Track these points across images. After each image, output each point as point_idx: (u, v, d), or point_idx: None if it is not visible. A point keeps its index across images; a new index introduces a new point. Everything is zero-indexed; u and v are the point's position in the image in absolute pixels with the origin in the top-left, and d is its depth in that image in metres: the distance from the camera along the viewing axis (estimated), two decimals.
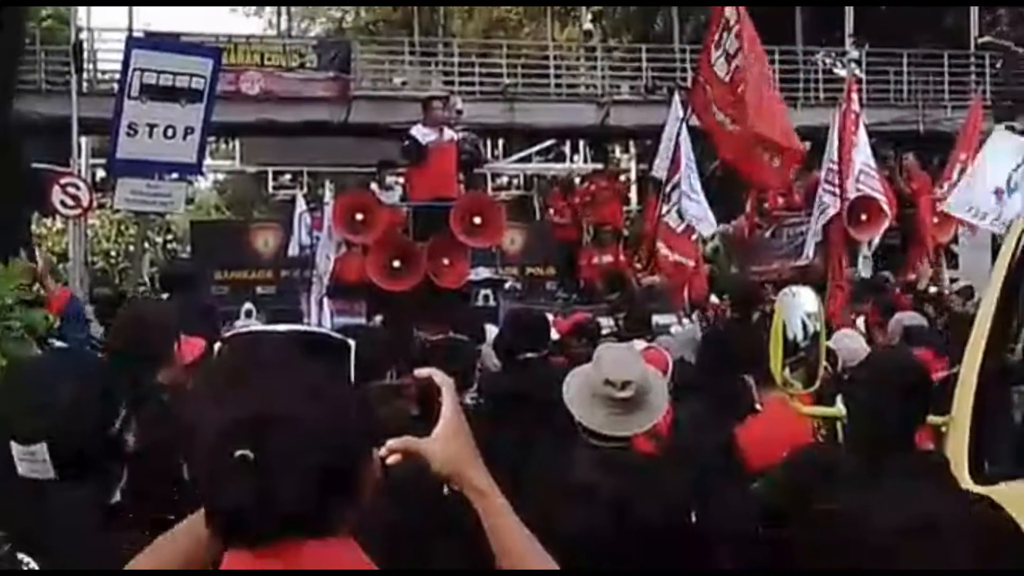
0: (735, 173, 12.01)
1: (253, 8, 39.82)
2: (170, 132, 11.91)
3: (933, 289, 13.85)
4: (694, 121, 11.68)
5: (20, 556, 2.11)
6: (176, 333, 3.65)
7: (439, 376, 1.87)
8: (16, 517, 2.22)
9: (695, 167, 11.52)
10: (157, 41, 14.03)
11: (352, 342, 1.79)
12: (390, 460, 1.78)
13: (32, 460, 2.26)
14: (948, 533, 1.86)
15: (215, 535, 1.62)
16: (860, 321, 9.96)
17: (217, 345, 1.66)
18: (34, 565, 2.10)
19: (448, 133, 12.25)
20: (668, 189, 11.20)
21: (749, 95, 10.34)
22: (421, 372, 1.89)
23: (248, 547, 1.58)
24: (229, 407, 1.58)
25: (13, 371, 2.97)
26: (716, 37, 10.81)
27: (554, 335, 8.01)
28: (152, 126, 11.86)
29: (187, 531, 1.88)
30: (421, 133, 12.08)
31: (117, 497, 2.38)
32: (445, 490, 1.90)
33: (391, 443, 1.78)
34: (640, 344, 5.72)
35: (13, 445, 2.27)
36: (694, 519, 3.74)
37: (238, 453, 1.54)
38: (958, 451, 3.38)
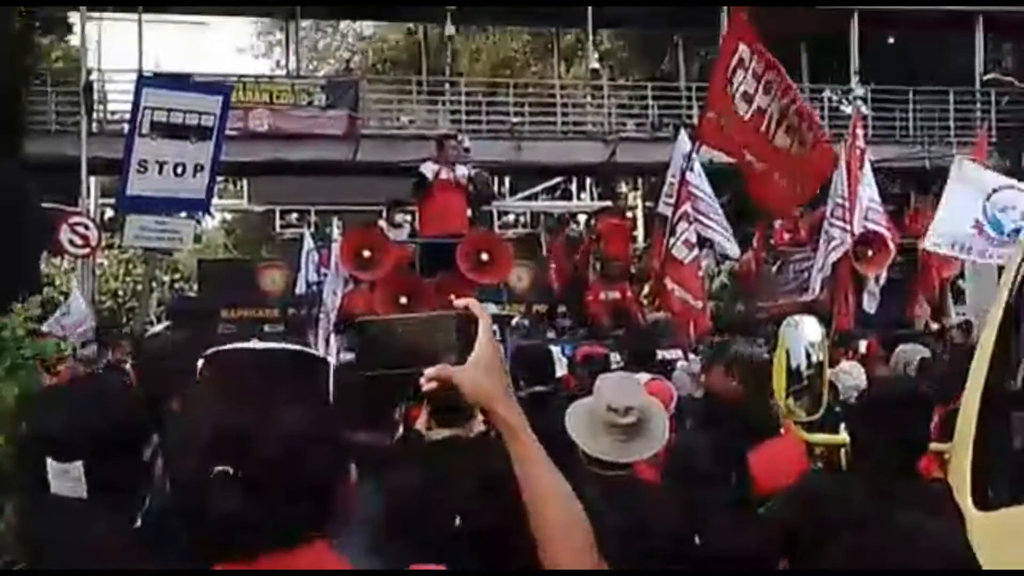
0: (744, 208, 12.12)
1: (262, 49, 40.22)
2: (180, 169, 12.02)
3: (935, 326, 13.87)
4: (711, 155, 11.82)
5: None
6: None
7: (477, 307, 1.88)
8: (40, 530, 2.25)
9: (713, 198, 11.60)
10: (167, 80, 14.16)
11: (331, 359, 1.82)
12: (426, 387, 1.80)
13: (66, 478, 2.29)
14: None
15: (197, 551, 1.65)
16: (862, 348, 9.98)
17: (199, 363, 1.69)
18: None
19: (460, 170, 12.35)
20: (675, 220, 11.25)
21: (775, 135, 10.58)
22: (459, 301, 1.90)
23: (230, 562, 1.61)
24: (210, 424, 1.61)
25: (54, 390, 3.02)
26: (730, 73, 10.91)
27: (562, 370, 8.07)
28: (162, 163, 11.97)
29: None
30: (430, 169, 12.21)
31: (139, 523, 2.41)
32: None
33: (428, 371, 1.80)
34: (644, 376, 5.75)
35: (49, 462, 2.30)
36: (698, 543, 3.75)
37: (219, 469, 1.56)
38: (960, 477, 3.39)
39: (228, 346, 1.71)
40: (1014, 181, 11.76)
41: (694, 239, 11.25)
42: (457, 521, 3.26)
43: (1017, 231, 10.95)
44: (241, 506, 1.56)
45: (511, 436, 1.82)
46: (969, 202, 11.18)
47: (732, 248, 12.19)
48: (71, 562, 2.18)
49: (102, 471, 2.31)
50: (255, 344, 1.79)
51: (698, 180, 11.41)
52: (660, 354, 9.35)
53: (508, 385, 1.87)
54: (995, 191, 11.33)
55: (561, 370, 8.14)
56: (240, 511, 1.56)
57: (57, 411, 2.45)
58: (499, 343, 1.88)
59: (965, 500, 3.33)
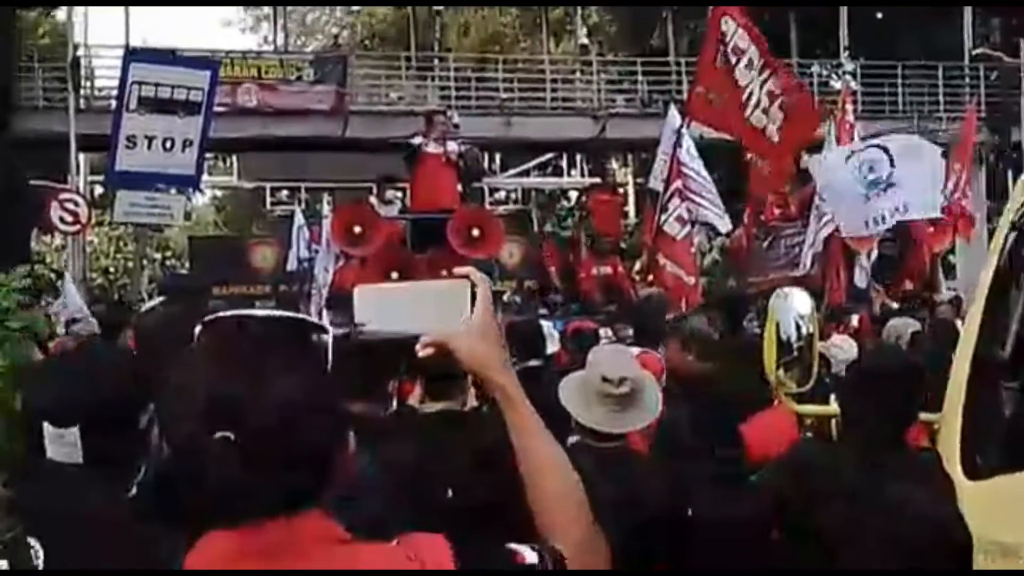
0: (735, 184, 12.12)
1: (249, 24, 40.05)
2: (168, 144, 11.98)
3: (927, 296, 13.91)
4: (701, 130, 11.81)
5: (30, 540, 2.15)
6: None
7: (476, 275, 1.88)
8: (36, 497, 2.27)
9: (705, 175, 11.59)
10: (155, 54, 14.09)
11: (330, 328, 1.82)
12: (422, 353, 1.81)
13: (62, 443, 2.31)
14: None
15: (195, 516, 1.66)
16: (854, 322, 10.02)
17: (196, 328, 1.69)
18: (40, 550, 2.13)
19: (450, 146, 12.36)
20: (666, 198, 11.24)
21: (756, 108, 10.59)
22: (460, 270, 1.90)
23: (228, 527, 1.62)
24: (208, 390, 1.62)
25: (53, 357, 3.03)
26: (722, 46, 10.90)
27: (553, 347, 8.09)
28: (150, 138, 11.93)
29: None
30: (421, 143, 12.23)
31: (133, 491, 2.43)
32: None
33: (425, 338, 1.81)
34: (635, 349, 5.77)
35: (46, 426, 2.32)
36: (691, 513, 3.78)
37: (219, 435, 1.57)
38: (950, 447, 3.42)
39: (226, 312, 1.70)
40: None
41: (686, 215, 11.23)
42: (449, 493, 3.28)
43: (875, 183, 11.15)
44: (239, 472, 1.57)
45: (508, 405, 1.83)
46: (845, 182, 11.34)
47: (724, 224, 12.19)
48: (65, 529, 2.20)
49: (98, 437, 2.33)
50: (253, 311, 1.79)
51: (687, 157, 11.39)
52: None
53: (506, 355, 1.87)
54: (853, 153, 11.56)
55: (553, 346, 8.17)
56: (238, 477, 1.57)
57: (55, 376, 2.49)
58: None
59: (955, 469, 3.36)
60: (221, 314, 1.72)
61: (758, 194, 13.92)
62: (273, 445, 1.59)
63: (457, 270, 1.91)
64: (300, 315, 1.87)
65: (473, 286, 1.87)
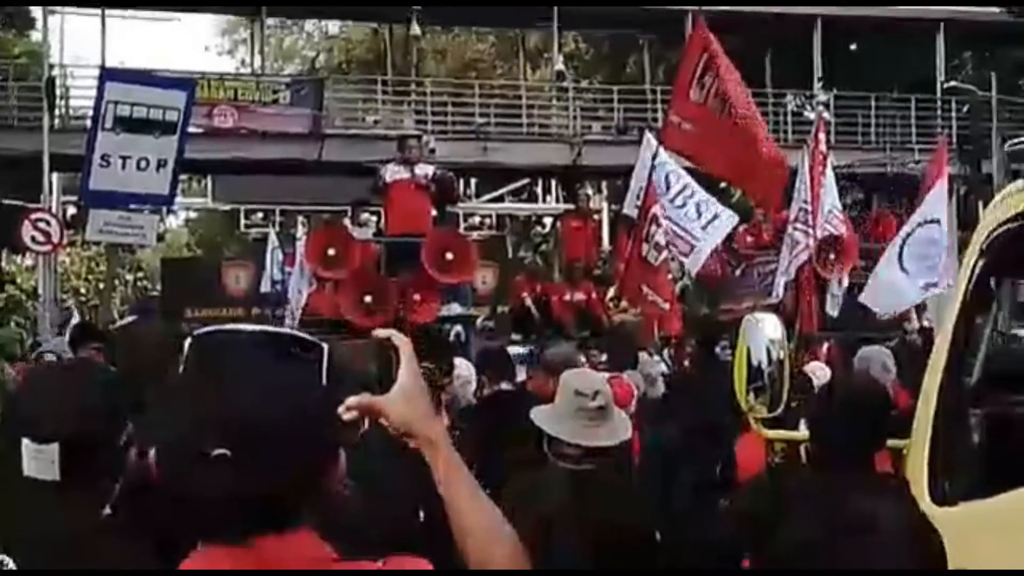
0: None
1: (227, 48, 40.06)
2: (143, 164, 11.93)
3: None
4: (674, 159, 11.86)
5: (3, 558, 2.13)
6: (173, 356, 3.69)
7: (397, 337, 1.93)
8: (10, 515, 2.26)
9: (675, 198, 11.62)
10: (131, 74, 14.06)
11: (325, 344, 1.83)
12: (347, 416, 1.83)
13: (41, 459, 2.30)
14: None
15: (187, 531, 1.66)
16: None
17: (187, 342, 1.69)
18: (12, 565, 2.12)
19: (422, 169, 12.37)
20: (645, 225, 11.28)
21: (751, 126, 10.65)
22: (380, 333, 1.95)
23: (220, 543, 1.61)
24: (202, 406, 1.61)
25: (34, 373, 3.01)
26: (698, 77, 10.95)
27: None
28: (125, 158, 11.88)
29: None
30: (390, 171, 12.25)
31: (107, 511, 2.41)
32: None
33: (350, 400, 1.83)
34: (604, 375, 5.80)
35: (25, 443, 2.31)
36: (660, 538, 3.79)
37: (215, 452, 1.56)
38: (917, 472, 3.43)
39: (216, 327, 1.70)
40: None
41: (663, 241, 11.28)
42: (421, 515, 3.28)
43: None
44: (231, 489, 1.56)
45: (432, 453, 1.88)
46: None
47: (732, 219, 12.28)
48: (39, 546, 2.18)
49: (76, 454, 2.32)
50: (244, 326, 1.80)
51: (663, 184, 11.45)
52: None
53: (430, 408, 1.93)
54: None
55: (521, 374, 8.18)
56: (230, 494, 1.56)
57: (37, 392, 2.47)
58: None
59: (922, 496, 3.38)
60: (211, 328, 1.72)
61: (764, 202, 13.92)
62: (267, 461, 1.59)
63: (377, 333, 1.96)
64: (292, 331, 1.88)
65: (396, 349, 1.91)
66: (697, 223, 11.67)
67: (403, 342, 1.92)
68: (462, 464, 1.90)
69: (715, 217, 11.87)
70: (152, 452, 1.59)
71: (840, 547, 1.89)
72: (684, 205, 11.66)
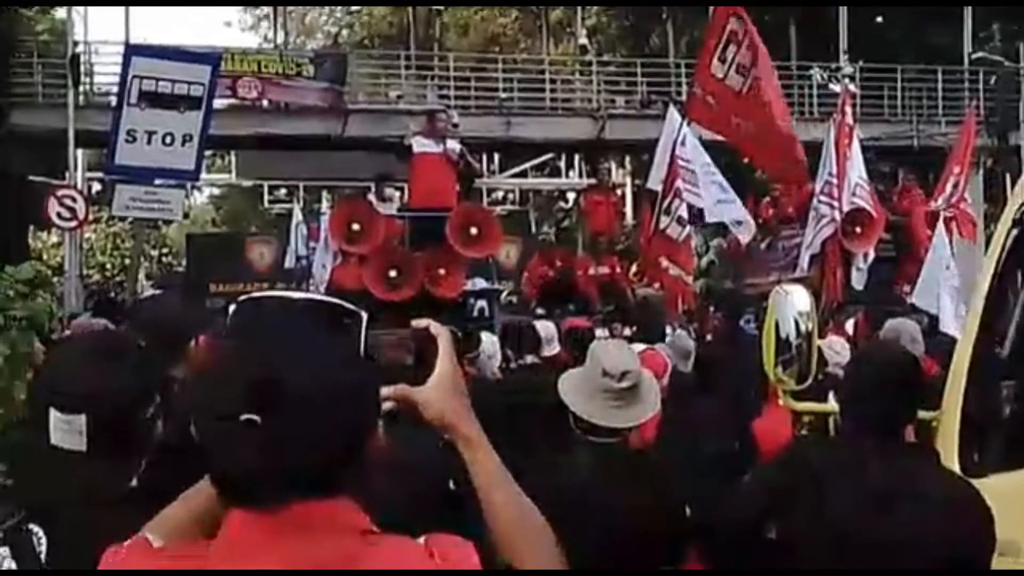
0: (733, 184, 12.12)
1: (249, 23, 40.07)
2: (168, 139, 11.95)
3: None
4: (699, 132, 11.82)
5: (32, 527, 2.15)
6: (195, 329, 3.71)
7: (435, 327, 1.91)
8: (38, 484, 2.27)
9: (705, 166, 11.58)
10: (156, 49, 14.06)
11: (364, 313, 1.83)
12: (386, 406, 1.82)
13: (68, 430, 2.31)
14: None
15: (221, 497, 1.66)
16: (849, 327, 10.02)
17: (231, 307, 1.69)
18: (43, 536, 2.13)
19: (450, 144, 12.37)
20: (668, 199, 11.25)
21: (772, 103, 10.58)
22: (418, 322, 1.93)
23: (253, 508, 1.61)
24: (236, 372, 1.61)
25: (63, 344, 3.03)
26: (720, 50, 10.89)
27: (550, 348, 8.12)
28: (151, 133, 11.90)
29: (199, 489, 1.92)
30: (418, 143, 12.25)
31: (133, 482, 2.42)
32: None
33: (386, 391, 1.82)
34: (639, 346, 5.79)
35: (52, 412, 2.32)
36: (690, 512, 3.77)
37: (244, 417, 1.56)
38: (948, 444, 3.42)
39: (260, 293, 1.70)
40: None
41: (686, 215, 11.27)
42: (451, 485, 3.28)
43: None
44: (272, 453, 1.56)
45: (470, 452, 1.88)
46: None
47: (745, 233, 12.27)
48: (63, 516, 2.19)
49: (103, 426, 2.33)
50: (289, 293, 1.80)
51: (691, 153, 11.41)
52: None
53: (467, 403, 1.91)
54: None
55: (550, 348, 8.18)
56: (271, 458, 1.56)
57: (64, 363, 2.47)
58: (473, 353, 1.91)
59: (952, 467, 3.36)
60: (257, 295, 1.71)
61: (793, 180, 13.83)
62: (307, 427, 1.58)
63: (416, 322, 1.93)
64: (334, 299, 1.88)
65: (435, 339, 1.89)
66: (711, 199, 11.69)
67: (442, 333, 1.91)
68: (500, 464, 1.89)
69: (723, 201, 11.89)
70: (191, 418, 1.58)
71: (894, 513, 1.88)
72: (707, 178, 11.66)
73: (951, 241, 13.01)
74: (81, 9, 23.61)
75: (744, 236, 12.73)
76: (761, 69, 10.71)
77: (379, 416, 1.77)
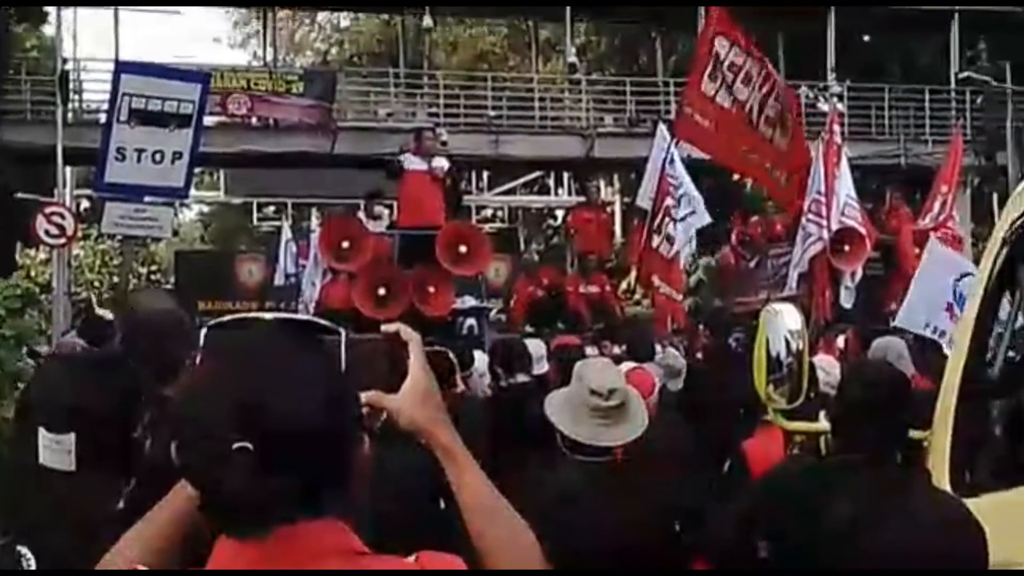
0: (720, 203, 12.18)
1: (238, 41, 40.08)
2: (158, 157, 11.91)
3: None
4: (687, 151, 11.88)
5: (19, 548, 2.13)
6: (192, 345, 3.68)
7: (406, 332, 1.88)
8: (25, 504, 2.25)
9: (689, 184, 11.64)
10: (146, 66, 14.03)
11: (343, 331, 1.81)
12: (367, 421, 1.80)
13: (57, 450, 2.30)
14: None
15: (210, 523, 1.64)
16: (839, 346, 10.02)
17: (203, 331, 1.67)
18: (31, 557, 2.12)
19: (438, 162, 12.38)
20: (658, 217, 11.30)
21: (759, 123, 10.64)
22: (388, 328, 1.90)
23: (242, 534, 1.59)
24: (222, 396, 1.59)
25: (52, 363, 3.01)
26: (708, 69, 10.96)
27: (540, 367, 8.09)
28: (140, 151, 11.87)
29: (173, 499, 1.90)
30: (408, 160, 12.27)
31: (121, 504, 2.40)
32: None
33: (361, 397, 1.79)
34: (627, 365, 5.77)
35: (41, 432, 2.31)
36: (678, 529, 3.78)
37: (236, 445, 1.54)
38: (939, 464, 3.42)
39: (234, 316, 1.69)
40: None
41: (674, 233, 11.31)
42: (442, 505, 3.27)
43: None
44: (256, 479, 1.54)
45: (447, 458, 1.85)
46: (940, 284, 10.99)
47: (704, 218, 12.20)
48: (52, 536, 2.17)
49: (92, 445, 2.31)
50: (261, 313, 1.79)
51: (679, 171, 11.48)
52: None
53: (441, 408, 1.88)
54: (964, 275, 11.14)
55: (540, 367, 8.15)
56: (254, 484, 1.54)
57: (53, 383, 2.46)
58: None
59: (944, 486, 3.36)
60: (229, 317, 1.70)
61: (778, 202, 13.89)
62: (291, 450, 1.56)
63: (386, 328, 1.90)
64: (309, 317, 1.86)
65: (405, 345, 1.87)
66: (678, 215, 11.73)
67: (412, 337, 1.88)
68: (477, 468, 1.86)
69: (692, 213, 11.90)
70: (172, 446, 1.55)
71: (886, 532, 1.88)
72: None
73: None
74: (70, 26, 23.62)
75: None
76: (755, 84, 10.80)
77: (363, 432, 1.76)
